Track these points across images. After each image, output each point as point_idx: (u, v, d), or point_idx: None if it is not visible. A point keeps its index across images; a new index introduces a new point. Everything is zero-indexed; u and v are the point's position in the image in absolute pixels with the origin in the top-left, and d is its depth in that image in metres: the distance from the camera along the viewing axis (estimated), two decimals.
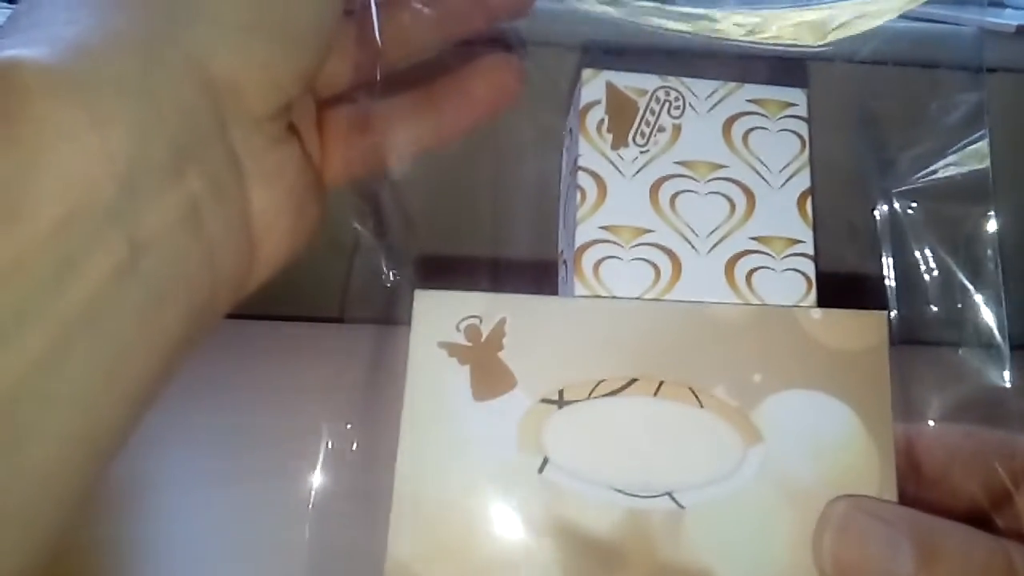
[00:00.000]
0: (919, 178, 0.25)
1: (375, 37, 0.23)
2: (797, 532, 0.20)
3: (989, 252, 0.24)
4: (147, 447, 0.32)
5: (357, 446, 0.23)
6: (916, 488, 0.22)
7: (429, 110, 0.24)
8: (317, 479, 0.22)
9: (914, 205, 0.25)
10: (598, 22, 0.24)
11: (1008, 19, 0.38)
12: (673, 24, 0.25)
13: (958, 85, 0.26)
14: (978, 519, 0.21)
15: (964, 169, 0.24)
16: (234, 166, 0.19)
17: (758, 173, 0.24)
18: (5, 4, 0.34)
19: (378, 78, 0.24)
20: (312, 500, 0.22)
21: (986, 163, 0.24)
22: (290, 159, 0.21)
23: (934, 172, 0.25)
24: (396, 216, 0.24)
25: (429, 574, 0.20)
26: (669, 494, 0.21)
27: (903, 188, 0.25)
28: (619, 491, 0.21)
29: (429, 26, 0.25)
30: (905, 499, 0.21)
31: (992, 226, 0.24)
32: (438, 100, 0.24)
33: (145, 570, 0.33)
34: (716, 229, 0.23)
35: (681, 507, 0.21)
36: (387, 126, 0.24)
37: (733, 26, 0.25)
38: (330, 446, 0.23)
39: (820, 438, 0.21)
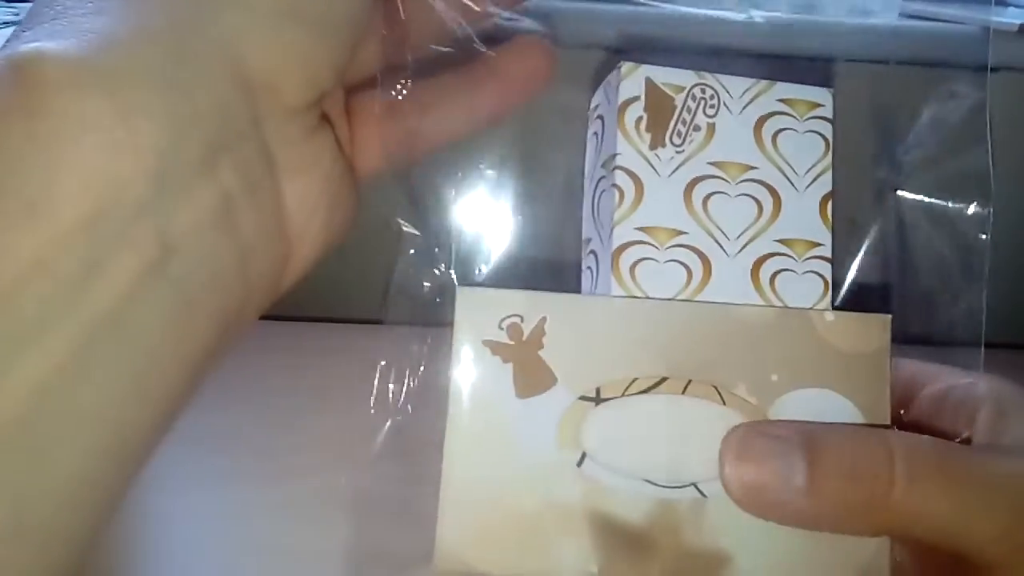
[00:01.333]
0: (921, 176, 0.27)
1: (401, 19, 0.23)
2: None
3: (981, 254, 0.26)
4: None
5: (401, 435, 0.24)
6: None
7: (463, 93, 0.24)
8: (362, 470, 0.23)
9: (915, 203, 0.26)
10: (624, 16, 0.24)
11: (1011, 18, 0.39)
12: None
13: (962, 84, 0.27)
14: None
15: (966, 169, 0.26)
16: (268, 160, 0.19)
17: (784, 175, 0.24)
18: (4, 3, 0.32)
19: (408, 61, 0.23)
20: (355, 494, 0.23)
21: (987, 162, 0.25)
22: (324, 150, 0.21)
23: (936, 171, 0.27)
24: (436, 211, 0.24)
25: (476, 561, 0.22)
26: (694, 485, 0.23)
27: (905, 186, 0.26)
28: (649, 482, 0.22)
29: (454, 6, 0.24)
30: None
31: (988, 228, 0.26)
32: (471, 82, 0.24)
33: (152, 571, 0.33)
34: (744, 231, 0.24)
35: (704, 496, 0.23)
36: (420, 111, 0.24)
37: None
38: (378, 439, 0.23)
39: None
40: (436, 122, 0.24)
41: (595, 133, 0.26)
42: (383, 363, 0.23)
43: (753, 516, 0.22)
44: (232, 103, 0.18)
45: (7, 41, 0.17)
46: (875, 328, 0.24)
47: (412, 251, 0.23)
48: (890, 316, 0.24)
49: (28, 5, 0.28)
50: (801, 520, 0.22)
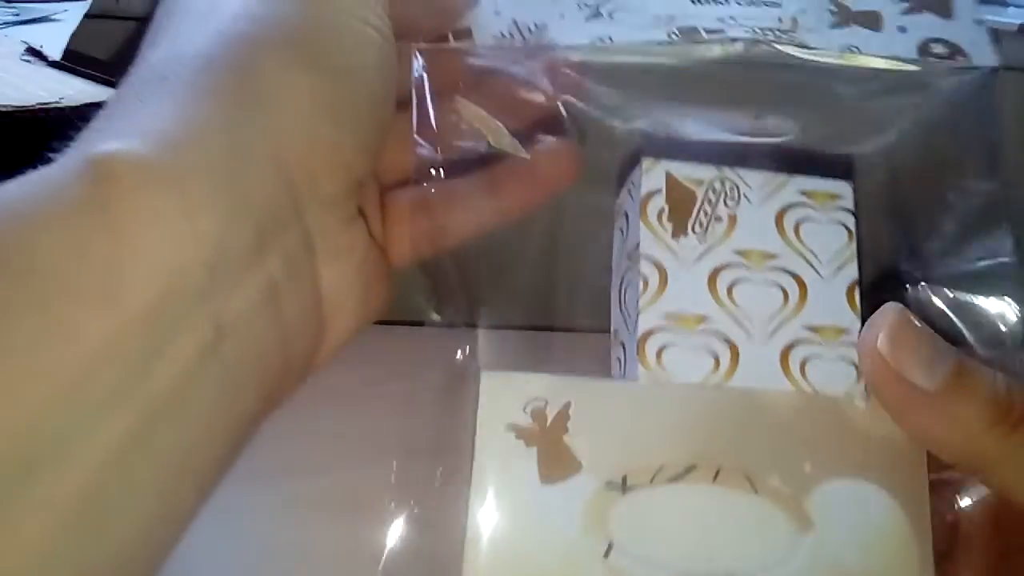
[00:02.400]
0: (943, 267, 0.27)
1: (432, 126, 0.24)
2: None
3: (1010, 340, 0.25)
4: None
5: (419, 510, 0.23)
6: None
7: (491, 192, 0.25)
8: (384, 541, 0.23)
9: (940, 292, 0.26)
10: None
11: (1011, 18, 0.39)
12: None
13: (975, 170, 0.27)
14: None
15: (987, 261, 0.26)
16: (308, 247, 0.20)
17: (808, 263, 0.25)
18: (4, 4, 0.35)
19: (439, 159, 0.25)
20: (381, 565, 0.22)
21: (1008, 256, 0.25)
22: (359, 239, 0.22)
23: (958, 261, 0.27)
24: (460, 295, 0.24)
25: None
26: None
27: (929, 276, 0.26)
28: (680, 572, 0.21)
29: (490, 106, 0.26)
30: None
31: (1015, 315, 0.25)
32: (499, 183, 0.25)
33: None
34: (772, 317, 0.24)
35: None
36: (448, 207, 0.25)
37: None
38: (393, 507, 0.23)
39: (866, 528, 0.22)
40: (463, 218, 0.25)
41: (620, 229, 0.27)
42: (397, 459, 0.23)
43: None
44: (278, 195, 0.19)
45: (80, 140, 0.19)
46: None
47: (437, 333, 0.24)
48: None
49: (28, 6, 0.31)
50: (920, 417, 0.21)
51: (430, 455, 0.23)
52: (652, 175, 0.25)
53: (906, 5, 0.28)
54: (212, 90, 0.19)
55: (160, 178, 0.17)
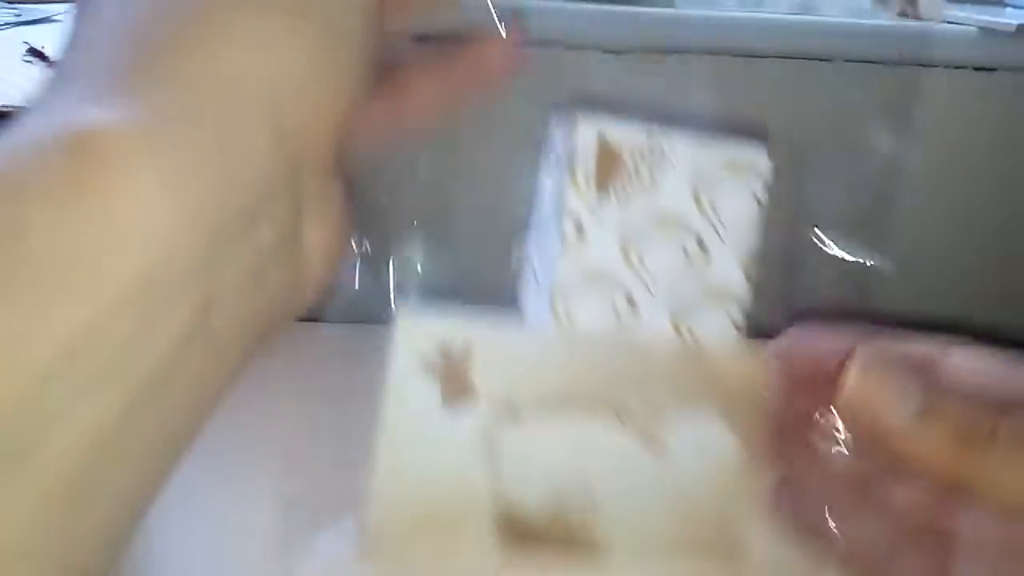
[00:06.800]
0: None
1: None
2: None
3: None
4: None
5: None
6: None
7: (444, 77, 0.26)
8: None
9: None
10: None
11: (1008, 18, 0.39)
12: None
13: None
14: None
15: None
16: (298, 210, 0.20)
17: (714, 228, 0.27)
18: (5, 5, 0.33)
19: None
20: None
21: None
22: (338, 193, 0.22)
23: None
24: (380, 225, 0.26)
25: (400, 548, 0.26)
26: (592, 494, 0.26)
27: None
28: (554, 491, 0.26)
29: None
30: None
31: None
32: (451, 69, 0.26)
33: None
34: (671, 277, 0.27)
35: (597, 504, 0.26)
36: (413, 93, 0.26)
37: None
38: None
39: (709, 457, 0.27)
40: (424, 102, 0.26)
41: (550, 168, 0.28)
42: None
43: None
44: (273, 161, 0.18)
45: (48, 95, 0.18)
46: (757, 355, 0.27)
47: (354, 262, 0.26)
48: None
49: (29, 6, 0.30)
50: (896, 447, 0.23)
51: None
52: (585, 134, 0.26)
53: None
54: (200, 50, 0.18)
55: (142, 151, 0.16)
